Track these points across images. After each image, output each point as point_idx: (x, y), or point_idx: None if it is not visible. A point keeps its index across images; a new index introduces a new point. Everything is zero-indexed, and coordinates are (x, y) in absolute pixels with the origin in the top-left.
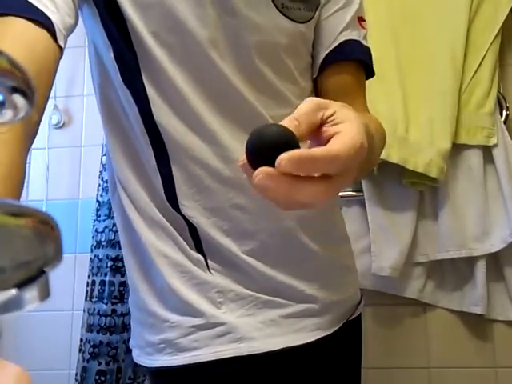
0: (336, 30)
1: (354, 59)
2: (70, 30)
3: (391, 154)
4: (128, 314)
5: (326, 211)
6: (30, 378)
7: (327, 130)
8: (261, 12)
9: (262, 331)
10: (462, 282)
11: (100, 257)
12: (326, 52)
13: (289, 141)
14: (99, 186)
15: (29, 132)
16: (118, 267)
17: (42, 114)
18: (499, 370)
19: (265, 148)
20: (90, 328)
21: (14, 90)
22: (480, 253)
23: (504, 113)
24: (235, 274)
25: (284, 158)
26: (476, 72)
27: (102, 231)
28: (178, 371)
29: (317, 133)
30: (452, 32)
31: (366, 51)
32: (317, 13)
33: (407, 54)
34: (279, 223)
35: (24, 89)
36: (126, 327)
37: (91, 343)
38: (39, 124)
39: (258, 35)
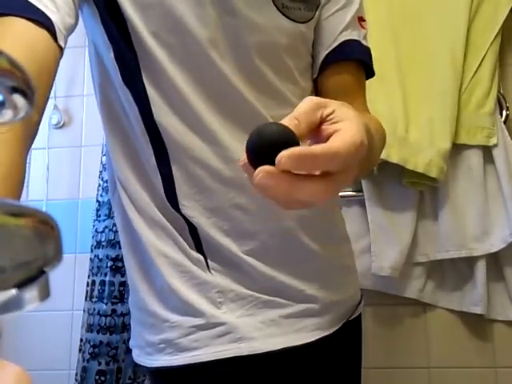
0: (336, 30)
1: (354, 59)
2: (71, 30)
3: (391, 153)
4: (128, 314)
5: (326, 211)
6: (29, 378)
7: (327, 128)
8: (261, 12)
9: (262, 331)
10: (462, 282)
11: (100, 257)
12: (326, 52)
13: (289, 139)
14: (99, 186)
15: (29, 132)
16: (117, 267)
17: (42, 114)
18: (499, 370)
19: (265, 147)
20: (90, 328)
21: (14, 89)
22: (480, 253)
23: (504, 113)
24: (235, 274)
25: (284, 155)
26: (476, 72)
27: (102, 231)
28: (178, 371)
29: (316, 131)
30: (452, 32)
31: (366, 51)
32: (317, 13)
33: (407, 54)
34: (279, 223)
35: (24, 89)
36: (125, 327)
37: (91, 343)
38: (39, 124)
39: (258, 35)
